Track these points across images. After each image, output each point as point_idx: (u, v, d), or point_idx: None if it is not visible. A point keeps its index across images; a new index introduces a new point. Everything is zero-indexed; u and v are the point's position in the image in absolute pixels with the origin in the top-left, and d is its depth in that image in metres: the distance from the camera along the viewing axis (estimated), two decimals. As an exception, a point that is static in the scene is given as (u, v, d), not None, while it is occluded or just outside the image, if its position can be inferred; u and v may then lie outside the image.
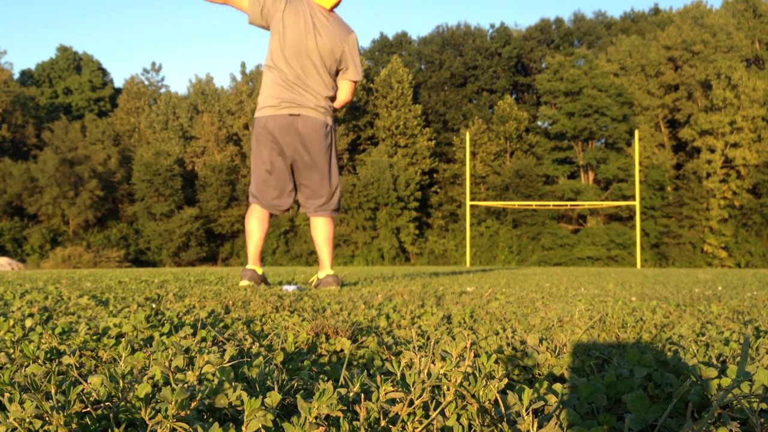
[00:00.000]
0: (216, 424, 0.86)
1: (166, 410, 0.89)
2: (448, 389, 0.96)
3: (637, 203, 32.06)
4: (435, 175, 51.20)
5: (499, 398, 0.97)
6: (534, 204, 39.26)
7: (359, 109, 54.76)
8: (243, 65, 64.57)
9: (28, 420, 0.87)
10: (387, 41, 64.69)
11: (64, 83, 64.22)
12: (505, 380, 1.02)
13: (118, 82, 68.39)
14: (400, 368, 1.11)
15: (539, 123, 52.73)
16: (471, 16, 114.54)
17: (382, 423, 0.94)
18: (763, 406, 1.05)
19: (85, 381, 1.09)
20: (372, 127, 53.57)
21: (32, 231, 46.87)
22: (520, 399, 0.95)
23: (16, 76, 62.97)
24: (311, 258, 44.99)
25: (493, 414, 0.94)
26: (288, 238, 47.37)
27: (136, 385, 1.02)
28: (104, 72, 66.70)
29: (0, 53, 67.78)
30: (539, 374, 1.46)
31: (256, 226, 5.23)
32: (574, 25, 62.01)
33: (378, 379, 0.98)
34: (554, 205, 38.62)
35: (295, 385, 1.17)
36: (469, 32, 61.50)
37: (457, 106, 55.57)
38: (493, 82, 56.96)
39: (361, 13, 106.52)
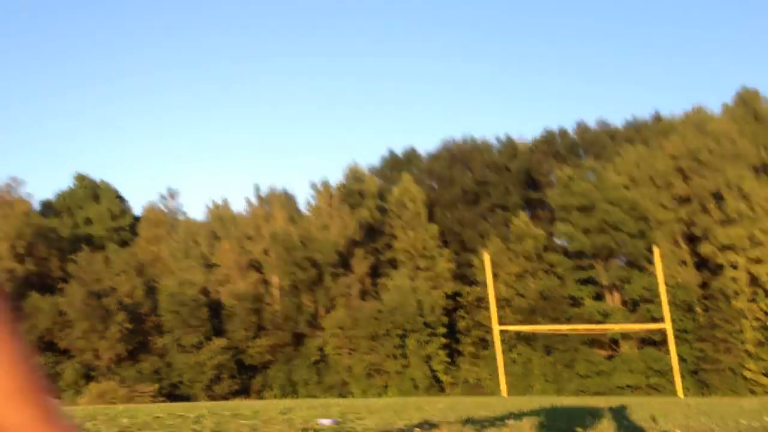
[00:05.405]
0: None
1: None
2: None
3: (668, 326, 31.79)
4: (459, 299, 50.72)
5: None
6: (564, 328, 39.38)
7: (376, 230, 55.64)
8: (257, 188, 65.72)
9: None
10: (396, 159, 66.48)
11: (83, 213, 65.24)
12: None
13: (137, 209, 69.51)
14: None
15: (557, 240, 53.10)
16: (474, 126, 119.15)
17: None
18: None
19: None
20: (390, 249, 54.22)
21: (65, 366, 46.92)
22: None
23: (36, 206, 64.02)
24: (344, 389, 44.86)
25: None
26: (319, 368, 47.28)
27: None
28: (122, 199, 67.94)
29: (19, 183, 69.00)
30: None
31: None
32: (579, 135, 63.76)
33: None
34: (584, 329, 38.82)
35: None
36: (476, 146, 63.25)
37: (472, 225, 55.90)
38: (505, 199, 57.31)
39: (367, 125, 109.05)
